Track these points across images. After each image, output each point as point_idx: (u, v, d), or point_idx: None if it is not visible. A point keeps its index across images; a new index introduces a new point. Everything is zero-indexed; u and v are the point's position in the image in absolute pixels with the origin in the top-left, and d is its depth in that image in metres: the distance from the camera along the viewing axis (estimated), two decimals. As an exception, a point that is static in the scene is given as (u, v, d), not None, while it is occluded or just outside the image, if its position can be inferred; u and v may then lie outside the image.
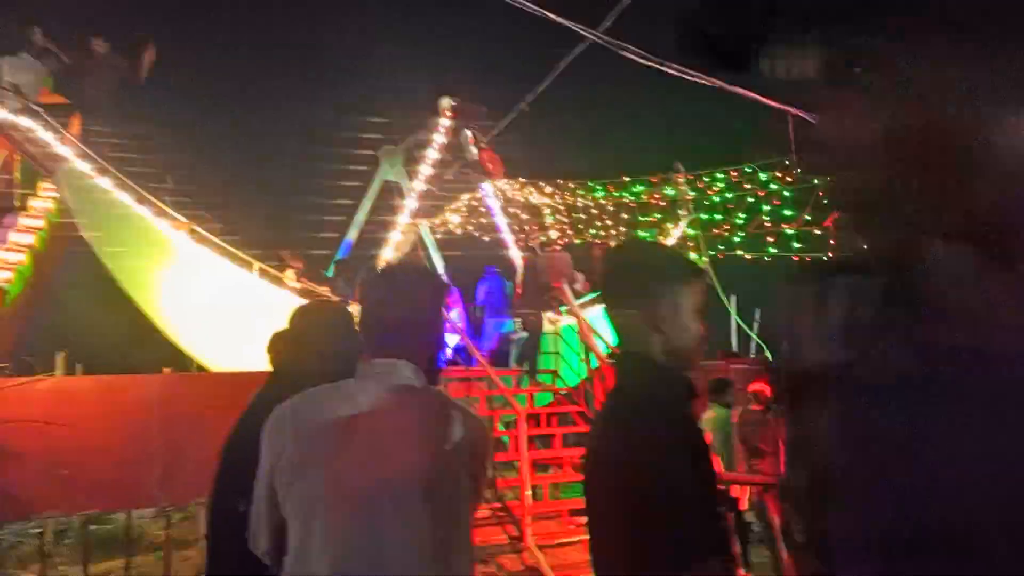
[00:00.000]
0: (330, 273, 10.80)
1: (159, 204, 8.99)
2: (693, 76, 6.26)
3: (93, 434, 6.52)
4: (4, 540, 7.00)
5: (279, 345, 2.63)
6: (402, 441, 1.65)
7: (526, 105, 7.54)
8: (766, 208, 10.20)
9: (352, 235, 11.79)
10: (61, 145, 8.57)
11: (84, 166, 8.66)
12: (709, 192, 11.27)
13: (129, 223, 8.64)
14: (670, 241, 12.58)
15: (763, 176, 10.09)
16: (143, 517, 7.61)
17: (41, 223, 11.96)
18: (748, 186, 9.52)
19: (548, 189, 10.50)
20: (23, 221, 11.91)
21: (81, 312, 11.22)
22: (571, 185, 10.20)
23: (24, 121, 8.56)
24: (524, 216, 10.69)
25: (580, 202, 10.45)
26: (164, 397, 6.70)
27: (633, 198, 10.42)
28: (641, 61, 5.98)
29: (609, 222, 10.72)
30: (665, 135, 18.32)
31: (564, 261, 9.53)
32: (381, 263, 9.39)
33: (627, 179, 10.44)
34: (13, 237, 11.60)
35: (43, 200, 12.47)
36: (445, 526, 1.62)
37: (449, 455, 1.67)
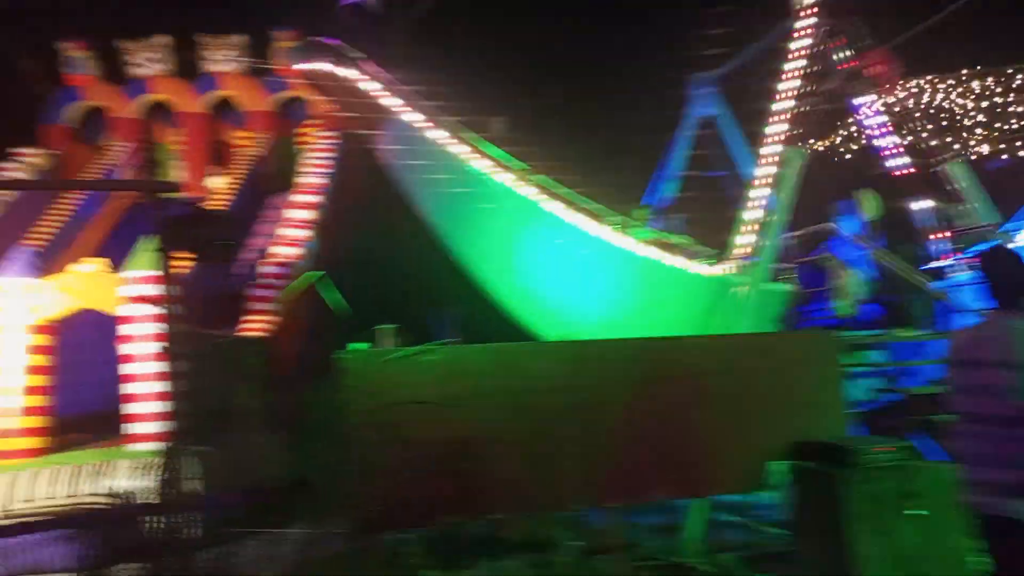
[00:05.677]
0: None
1: (492, 157, 7.70)
2: None
3: (494, 418, 5.17)
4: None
5: None
6: None
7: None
8: None
9: (671, 178, 10.16)
10: (390, 96, 7.44)
11: (415, 116, 7.49)
12: None
13: (464, 174, 7.41)
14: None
15: None
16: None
17: (318, 199, 11.31)
18: None
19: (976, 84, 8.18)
20: (298, 198, 11.31)
21: (372, 285, 10.35)
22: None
23: (347, 72, 7.52)
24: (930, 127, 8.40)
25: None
26: (574, 370, 5.24)
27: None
28: None
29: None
30: None
31: None
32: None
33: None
34: (292, 214, 11.01)
35: (315, 176, 11.88)
36: None
37: None
